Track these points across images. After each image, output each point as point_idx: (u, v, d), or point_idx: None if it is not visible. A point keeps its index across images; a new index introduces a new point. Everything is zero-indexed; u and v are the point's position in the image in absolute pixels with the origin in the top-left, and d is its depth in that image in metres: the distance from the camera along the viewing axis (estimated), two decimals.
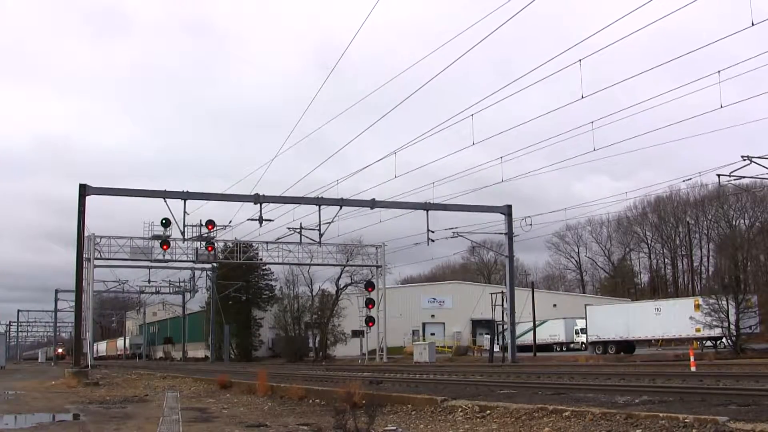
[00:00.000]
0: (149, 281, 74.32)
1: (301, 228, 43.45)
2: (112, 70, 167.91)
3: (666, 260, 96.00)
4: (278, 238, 48.98)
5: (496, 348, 49.99)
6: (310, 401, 16.69)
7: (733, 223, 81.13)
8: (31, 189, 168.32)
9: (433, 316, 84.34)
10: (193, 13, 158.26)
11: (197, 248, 48.54)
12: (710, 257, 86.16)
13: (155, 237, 42.98)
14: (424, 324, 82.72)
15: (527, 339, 61.65)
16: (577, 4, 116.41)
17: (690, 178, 43.43)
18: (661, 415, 9.13)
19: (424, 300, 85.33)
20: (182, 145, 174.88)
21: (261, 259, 61.40)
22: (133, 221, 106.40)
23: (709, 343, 45.06)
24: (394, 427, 11.40)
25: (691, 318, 42.36)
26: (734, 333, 39.97)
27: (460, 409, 12.17)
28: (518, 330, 50.37)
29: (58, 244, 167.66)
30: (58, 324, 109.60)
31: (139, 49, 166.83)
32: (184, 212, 38.30)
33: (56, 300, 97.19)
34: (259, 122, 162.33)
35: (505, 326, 46.97)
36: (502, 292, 48.21)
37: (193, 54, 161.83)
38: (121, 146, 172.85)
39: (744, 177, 32.38)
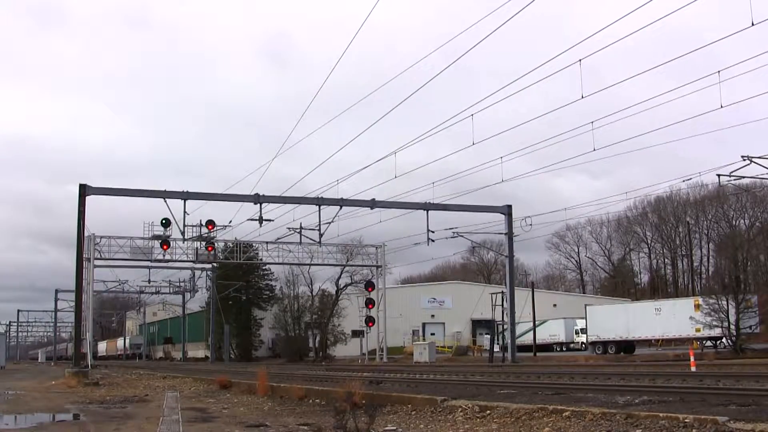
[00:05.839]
0: (149, 281, 74.38)
1: (301, 228, 43.44)
2: (101, 69, 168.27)
3: (666, 260, 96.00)
4: (278, 238, 48.99)
5: (496, 348, 49.94)
6: (310, 401, 16.69)
7: (733, 223, 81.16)
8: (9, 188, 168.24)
9: (433, 316, 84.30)
10: (191, 12, 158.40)
11: (197, 248, 48.48)
12: (710, 257, 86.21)
13: (155, 237, 42.94)
14: (424, 324, 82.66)
15: (527, 339, 61.61)
16: (577, 4, 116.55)
17: (690, 178, 43.35)
18: (661, 415, 9.13)
19: (424, 300, 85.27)
20: (176, 144, 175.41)
21: (261, 259, 61.37)
22: (133, 221, 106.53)
23: (709, 343, 45.01)
24: (394, 427, 11.40)
25: (691, 318, 42.33)
26: (734, 333, 39.96)
27: (460, 409, 12.18)
28: (518, 330, 50.33)
29: (46, 244, 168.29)
30: (58, 324, 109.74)
31: (132, 48, 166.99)
32: (184, 212, 38.32)
33: (56, 300, 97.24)
34: (256, 123, 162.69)
35: (505, 326, 46.95)
36: (502, 292, 48.17)
37: (190, 54, 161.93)
38: (109, 146, 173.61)
39: (744, 177, 32.41)
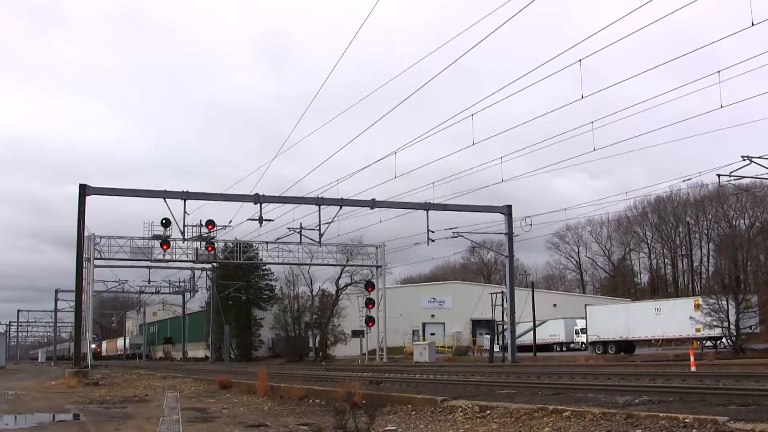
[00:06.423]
0: (149, 281, 74.34)
1: (301, 228, 43.47)
2: (101, 69, 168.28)
3: (666, 260, 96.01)
4: (278, 238, 49.01)
5: (496, 348, 49.95)
6: (310, 401, 16.68)
7: (733, 223, 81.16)
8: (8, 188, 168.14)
9: (433, 316, 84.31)
10: (190, 12, 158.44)
11: (197, 248, 48.47)
12: (710, 257, 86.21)
13: (155, 237, 42.97)
14: (424, 324, 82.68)
15: (527, 339, 61.63)
16: (577, 4, 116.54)
17: (690, 178, 43.49)
18: (661, 415, 9.13)
19: (424, 300, 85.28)
20: (176, 144, 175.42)
21: (261, 259, 61.36)
22: (133, 221, 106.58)
23: (709, 343, 45.05)
24: (394, 427, 11.40)
25: (691, 318, 42.33)
26: (734, 333, 39.96)
27: (460, 409, 12.17)
28: (518, 330, 50.34)
29: (46, 244, 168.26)
30: (58, 324, 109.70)
31: (127, 48, 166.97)
32: (184, 212, 38.35)
33: (56, 300, 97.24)
34: (256, 123, 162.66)
35: (505, 326, 46.96)
36: (502, 292, 48.18)
37: (190, 54, 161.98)
38: (109, 146, 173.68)
39: (744, 177, 32.45)
